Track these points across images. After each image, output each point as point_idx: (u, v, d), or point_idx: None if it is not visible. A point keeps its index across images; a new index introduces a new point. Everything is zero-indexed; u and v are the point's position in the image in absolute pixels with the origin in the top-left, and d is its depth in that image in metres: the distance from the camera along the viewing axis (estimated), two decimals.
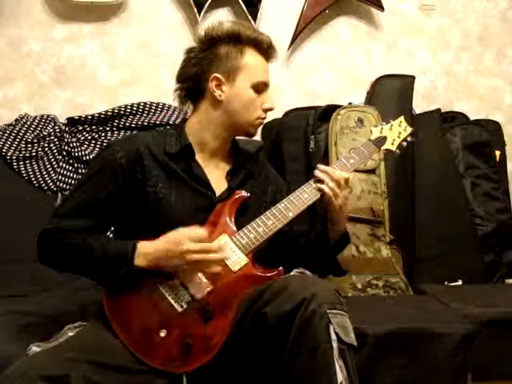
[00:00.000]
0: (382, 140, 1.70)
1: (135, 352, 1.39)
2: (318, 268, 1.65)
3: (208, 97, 1.56)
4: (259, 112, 1.57)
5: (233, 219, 1.50)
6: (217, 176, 1.57)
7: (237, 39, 1.54)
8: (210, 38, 1.55)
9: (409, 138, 1.73)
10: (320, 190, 1.55)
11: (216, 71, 1.53)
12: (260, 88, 1.56)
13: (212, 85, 1.54)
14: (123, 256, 1.41)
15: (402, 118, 1.75)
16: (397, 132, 1.71)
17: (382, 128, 1.71)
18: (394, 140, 1.71)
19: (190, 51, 1.58)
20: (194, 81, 1.56)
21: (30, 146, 2.33)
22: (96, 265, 1.43)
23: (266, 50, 1.58)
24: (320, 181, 1.56)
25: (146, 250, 1.41)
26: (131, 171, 1.49)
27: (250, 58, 1.55)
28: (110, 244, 1.46)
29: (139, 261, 1.41)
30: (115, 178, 1.48)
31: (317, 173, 1.57)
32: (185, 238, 1.39)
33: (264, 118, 1.60)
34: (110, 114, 2.40)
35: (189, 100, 1.61)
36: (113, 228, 1.63)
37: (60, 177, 2.30)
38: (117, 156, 1.49)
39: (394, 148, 1.71)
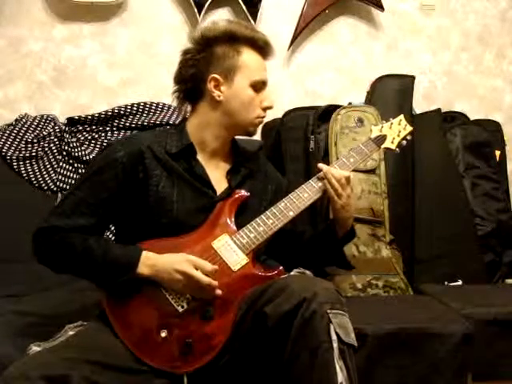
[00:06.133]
0: (381, 138, 1.69)
1: (136, 352, 1.39)
2: (324, 261, 1.63)
3: (207, 97, 1.55)
4: (259, 111, 1.57)
5: (233, 219, 1.50)
6: (217, 175, 1.57)
7: (233, 38, 1.53)
8: (205, 39, 1.54)
9: (408, 137, 1.73)
10: (322, 189, 1.55)
11: (214, 72, 1.53)
12: (258, 86, 1.55)
13: (210, 85, 1.53)
14: (127, 263, 1.41)
15: (401, 117, 1.74)
16: (397, 130, 1.71)
17: (382, 127, 1.71)
18: (393, 138, 1.70)
19: (186, 52, 1.57)
20: (191, 82, 1.56)
21: (29, 146, 2.32)
22: (97, 269, 1.43)
23: (262, 47, 1.57)
24: (321, 180, 1.56)
25: (151, 260, 1.41)
26: (133, 171, 1.49)
27: (247, 56, 1.54)
28: (112, 248, 1.44)
29: (142, 269, 1.40)
30: (116, 177, 1.48)
31: (320, 167, 1.57)
32: (191, 264, 1.39)
33: (264, 117, 1.59)
34: (110, 114, 2.40)
35: (187, 101, 1.60)
36: (113, 228, 1.63)
37: (60, 177, 2.30)
38: (118, 155, 1.49)
39: (393, 147, 1.70)
